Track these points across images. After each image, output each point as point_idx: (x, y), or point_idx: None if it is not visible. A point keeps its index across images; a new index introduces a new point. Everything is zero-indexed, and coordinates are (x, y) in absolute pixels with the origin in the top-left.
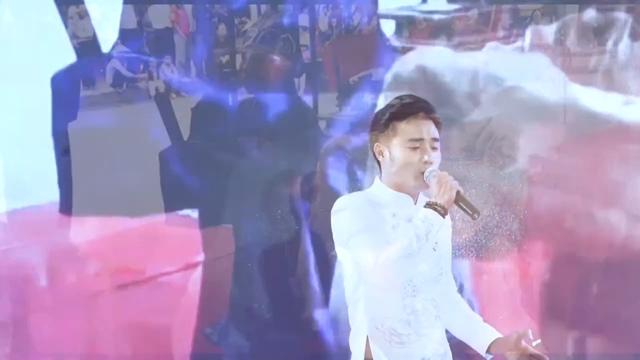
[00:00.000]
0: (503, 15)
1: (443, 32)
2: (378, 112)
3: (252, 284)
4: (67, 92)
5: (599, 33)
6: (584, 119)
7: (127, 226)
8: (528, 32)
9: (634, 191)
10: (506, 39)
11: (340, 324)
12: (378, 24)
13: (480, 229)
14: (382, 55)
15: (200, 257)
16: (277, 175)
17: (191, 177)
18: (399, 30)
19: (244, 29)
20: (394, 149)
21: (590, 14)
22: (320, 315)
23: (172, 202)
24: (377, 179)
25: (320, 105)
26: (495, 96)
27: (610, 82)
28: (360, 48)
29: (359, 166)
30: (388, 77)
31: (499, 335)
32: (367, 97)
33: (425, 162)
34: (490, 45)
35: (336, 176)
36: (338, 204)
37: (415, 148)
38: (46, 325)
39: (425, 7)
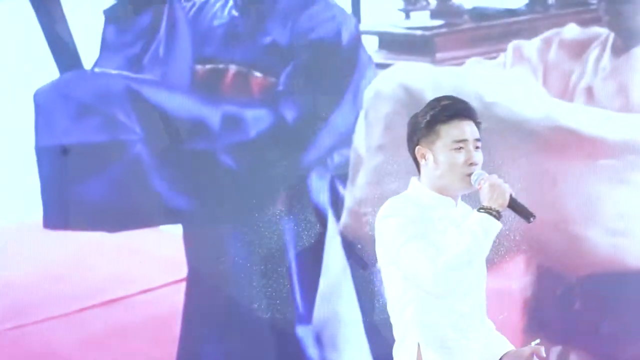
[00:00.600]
0: (485, 31)
1: (425, 48)
2: (417, 116)
3: (236, 298)
4: (50, 108)
5: (580, 48)
6: (565, 135)
7: (111, 241)
8: (510, 48)
9: (614, 206)
10: (488, 55)
11: (324, 340)
12: (360, 39)
13: None
14: (364, 68)
15: (183, 274)
16: (262, 190)
17: (178, 186)
18: (381, 46)
19: (237, 32)
20: (438, 152)
21: (572, 30)
22: (304, 331)
23: (161, 210)
24: (414, 180)
25: (315, 108)
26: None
27: (592, 98)
28: (344, 60)
29: (341, 181)
30: (369, 92)
31: (512, 347)
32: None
33: (471, 164)
34: (471, 60)
35: (319, 191)
36: (386, 210)
37: (459, 149)
38: (33, 342)
39: (408, 23)
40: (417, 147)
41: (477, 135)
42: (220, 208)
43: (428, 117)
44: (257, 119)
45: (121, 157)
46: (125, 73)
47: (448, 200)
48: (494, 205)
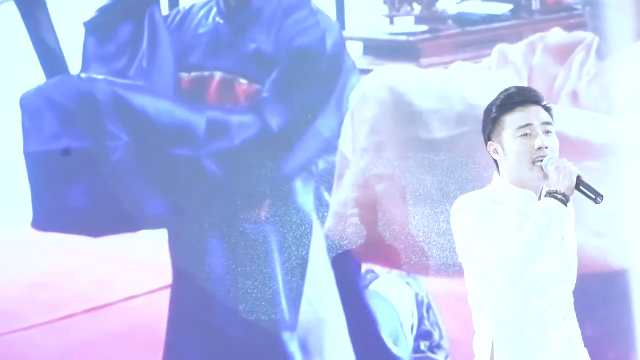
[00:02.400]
0: (470, 36)
1: (410, 54)
2: (485, 110)
3: (222, 301)
4: (36, 112)
5: (565, 53)
6: None
7: (96, 248)
8: (495, 52)
9: (598, 208)
10: (472, 60)
11: (309, 346)
12: (344, 45)
13: None
14: (348, 75)
15: (169, 280)
16: (247, 196)
17: (163, 192)
18: (366, 52)
19: (221, 39)
20: (506, 143)
21: (557, 34)
22: (289, 337)
23: (146, 215)
24: (495, 175)
25: (299, 115)
26: (462, 114)
27: (577, 102)
28: (329, 66)
29: (326, 187)
30: (355, 95)
31: None
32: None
33: (539, 148)
34: (457, 64)
35: (304, 197)
36: (458, 205)
37: (525, 135)
38: (18, 349)
39: (392, 29)
40: (488, 143)
41: (547, 120)
42: (205, 213)
43: (494, 110)
44: (242, 125)
45: (106, 162)
46: (110, 78)
47: (527, 193)
48: (561, 189)
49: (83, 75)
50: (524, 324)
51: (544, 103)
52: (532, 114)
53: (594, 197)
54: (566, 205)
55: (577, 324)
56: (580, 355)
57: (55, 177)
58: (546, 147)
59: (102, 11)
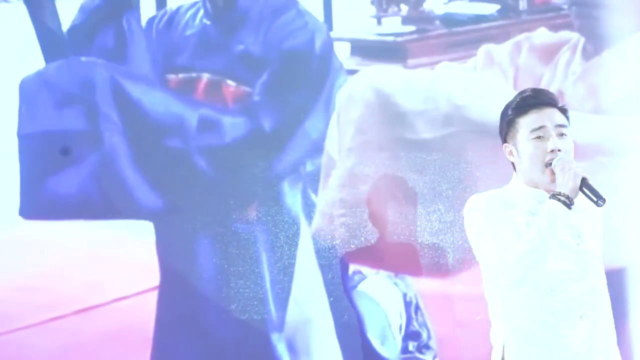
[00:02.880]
0: (457, 37)
1: (397, 54)
2: (501, 113)
3: (212, 306)
4: (34, 95)
5: (551, 52)
6: None
7: (85, 249)
8: (480, 52)
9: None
10: (460, 61)
11: (296, 346)
12: (332, 46)
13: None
14: (336, 75)
15: (156, 280)
16: (235, 195)
17: (152, 182)
18: (353, 52)
19: (209, 40)
20: (520, 145)
21: (542, 34)
22: (277, 338)
23: (134, 204)
24: (514, 175)
25: (289, 116)
26: (448, 115)
27: (562, 101)
28: (317, 67)
29: (314, 189)
30: (341, 95)
31: None
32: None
33: (552, 151)
34: (443, 64)
35: (292, 198)
36: (469, 204)
37: (539, 137)
38: (7, 351)
39: (379, 30)
40: (504, 145)
41: (561, 122)
42: (197, 213)
43: (509, 112)
44: (234, 124)
45: (99, 147)
46: (109, 64)
47: (541, 193)
48: (564, 190)
49: (83, 59)
50: (534, 323)
51: (560, 105)
52: (546, 116)
53: (595, 199)
54: (569, 207)
55: (605, 322)
56: (602, 353)
57: (48, 161)
58: (559, 150)
59: (72, 31)
